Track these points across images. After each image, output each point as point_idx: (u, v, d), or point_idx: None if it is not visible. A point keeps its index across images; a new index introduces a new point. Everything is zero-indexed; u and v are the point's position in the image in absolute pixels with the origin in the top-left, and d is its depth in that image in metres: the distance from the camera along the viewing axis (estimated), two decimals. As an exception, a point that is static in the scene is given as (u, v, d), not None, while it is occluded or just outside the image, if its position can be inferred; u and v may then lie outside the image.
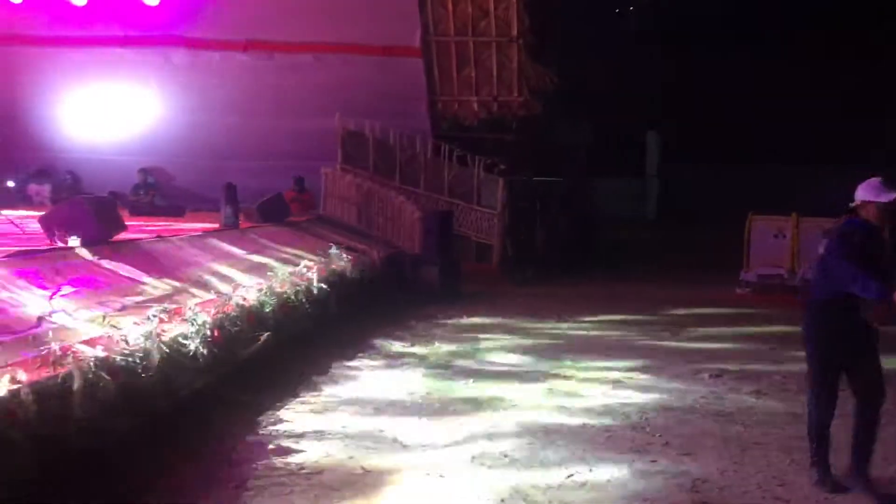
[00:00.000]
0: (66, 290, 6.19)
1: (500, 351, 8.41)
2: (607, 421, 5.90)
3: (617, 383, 7.04)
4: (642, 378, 7.26)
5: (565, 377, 7.27)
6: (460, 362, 7.85)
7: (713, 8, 22.07)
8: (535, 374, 7.40)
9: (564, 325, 9.90)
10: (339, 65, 14.82)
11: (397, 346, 8.54)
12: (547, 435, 5.55)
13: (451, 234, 13.00)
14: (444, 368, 7.60)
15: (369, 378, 7.20)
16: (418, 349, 8.42)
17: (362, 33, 14.47)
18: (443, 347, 8.53)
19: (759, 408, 6.39)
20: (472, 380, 7.13)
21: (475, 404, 6.33)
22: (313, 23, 14.36)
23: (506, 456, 5.10)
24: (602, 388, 6.86)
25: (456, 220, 14.00)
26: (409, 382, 7.03)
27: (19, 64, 14.14)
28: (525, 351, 8.38)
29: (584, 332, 9.49)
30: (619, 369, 7.54)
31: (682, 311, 10.99)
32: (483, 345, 8.70)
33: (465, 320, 10.19)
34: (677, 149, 21.66)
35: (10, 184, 14.31)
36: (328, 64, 14.83)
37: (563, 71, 15.83)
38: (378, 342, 8.70)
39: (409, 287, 11.89)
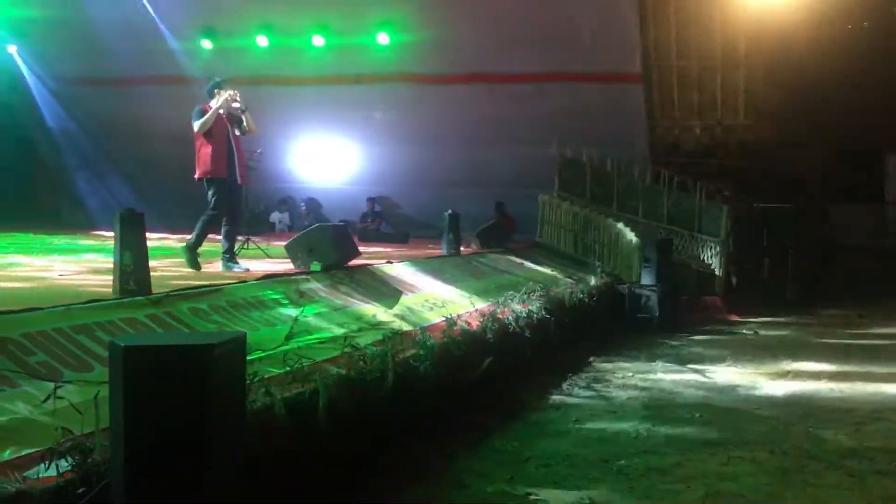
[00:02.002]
0: (310, 310, 6.67)
1: (726, 384, 8.07)
2: (853, 464, 5.49)
3: (861, 425, 6.53)
4: (891, 421, 6.70)
5: (801, 416, 6.84)
6: (683, 394, 7.62)
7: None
8: (769, 410, 7.03)
9: (795, 364, 9.31)
10: (558, 93, 14.95)
11: (617, 375, 8.42)
12: (784, 476, 5.25)
13: (671, 263, 12.67)
14: (666, 400, 7.40)
15: (590, 406, 7.14)
16: (639, 379, 8.26)
17: (582, 61, 14.53)
18: (665, 378, 8.32)
19: None
20: (697, 413, 6.89)
21: (702, 439, 6.11)
22: (533, 53, 14.59)
23: (742, 496, 4.88)
24: (846, 429, 6.39)
25: (676, 249, 13.63)
26: (631, 413, 6.91)
27: (264, 102, 15.46)
28: (756, 385, 7.99)
29: (820, 381, 8.88)
30: (862, 410, 7.00)
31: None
32: (708, 377, 8.38)
33: (687, 351, 9.87)
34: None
35: (254, 211, 15.60)
36: (547, 92, 15.01)
37: (793, 91, 15.05)
38: (597, 370, 8.64)
39: (628, 316, 11.70)
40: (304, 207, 16.72)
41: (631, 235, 13.63)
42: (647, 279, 12.04)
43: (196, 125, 8.21)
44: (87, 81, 16.68)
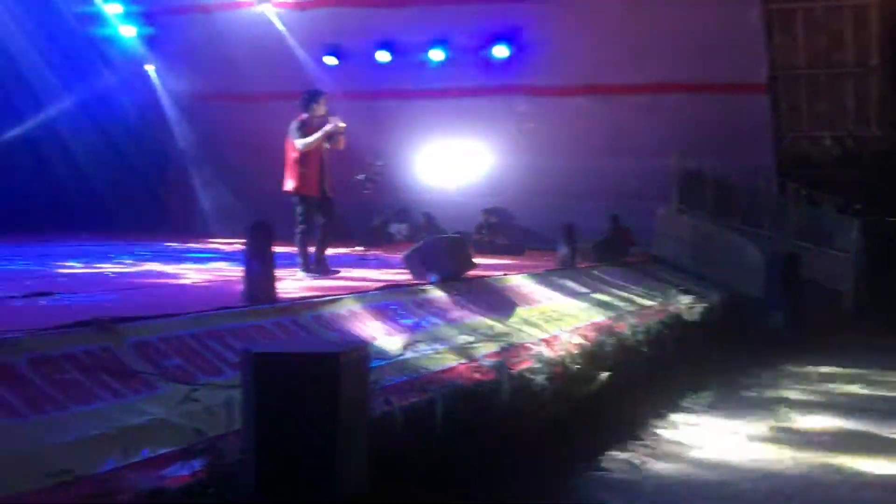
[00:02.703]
0: (427, 321, 6.77)
1: (855, 409, 7.69)
2: None
3: None
4: None
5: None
6: (810, 419, 7.30)
7: None
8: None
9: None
10: (678, 104, 14.63)
11: (740, 395, 8.16)
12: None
13: (798, 279, 12.19)
14: (791, 422, 7.13)
15: (710, 426, 6.95)
16: (763, 400, 7.98)
17: (703, 71, 14.17)
18: (791, 398, 8.01)
19: None
20: (826, 437, 6.61)
21: (834, 464, 5.85)
22: (652, 63, 14.35)
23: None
24: None
25: (803, 264, 13.09)
26: (753, 434, 6.68)
27: (385, 115, 15.83)
28: (887, 414, 7.58)
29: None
30: None
31: None
32: (838, 402, 8.00)
33: (814, 371, 9.47)
34: None
35: (373, 223, 15.91)
36: (667, 103, 14.72)
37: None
38: (718, 389, 8.39)
39: (751, 333, 11.31)
40: (423, 219, 16.91)
41: (754, 250, 13.19)
42: (771, 296, 11.63)
43: (300, 143, 8.42)
44: (215, 97, 17.45)
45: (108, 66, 17.08)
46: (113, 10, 16.33)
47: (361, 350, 2.86)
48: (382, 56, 15.73)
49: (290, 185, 8.52)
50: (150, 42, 17.04)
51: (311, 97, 8.71)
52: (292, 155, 8.50)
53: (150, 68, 17.92)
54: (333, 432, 2.64)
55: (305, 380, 2.65)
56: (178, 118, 18.39)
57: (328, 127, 8.49)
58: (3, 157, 15.85)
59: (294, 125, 8.55)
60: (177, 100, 18.29)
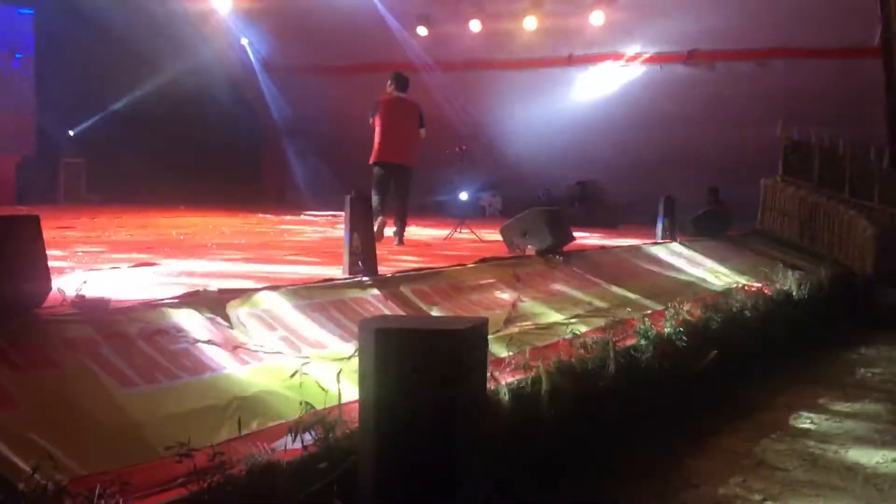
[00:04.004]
0: (527, 295, 6.62)
1: None
2: None
3: None
4: None
5: None
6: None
7: None
8: None
9: None
10: (784, 70, 14.03)
11: (858, 373, 7.76)
12: None
13: (914, 254, 11.56)
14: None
15: (826, 406, 6.61)
16: (879, 380, 7.57)
17: (812, 36, 13.52)
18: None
19: None
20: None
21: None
22: (756, 28, 13.77)
23: None
24: None
25: (918, 239, 12.40)
26: (881, 414, 6.30)
27: (478, 86, 15.67)
28: None
29: None
30: None
31: None
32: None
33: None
34: None
35: (464, 196, 15.77)
36: (772, 70, 14.14)
37: None
38: (830, 368, 8.01)
39: (861, 312, 10.80)
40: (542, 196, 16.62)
41: (865, 223, 12.57)
42: (883, 272, 11.08)
43: (423, 133, 9.52)
44: (309, 70, 17.56)
45: (204, 40, 17.34)
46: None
47: (480, 327, 2.75)
48: (474, 25, 15.51)
49: (414, 161, 9.55)
50: (246, 15, 17.21)
51: (408, 82, 9.65)
52: (418, 140, 9.53)
53: (245, 42, 18.13)
54: (454, 409, 2.54)
55: (425, 355, 2.55)
56: (273, 91, 18.59)
57: None
58: (103, 130, 16.36)
59: (419, 110, 9.52)
60: (271, 73, 18.48)
